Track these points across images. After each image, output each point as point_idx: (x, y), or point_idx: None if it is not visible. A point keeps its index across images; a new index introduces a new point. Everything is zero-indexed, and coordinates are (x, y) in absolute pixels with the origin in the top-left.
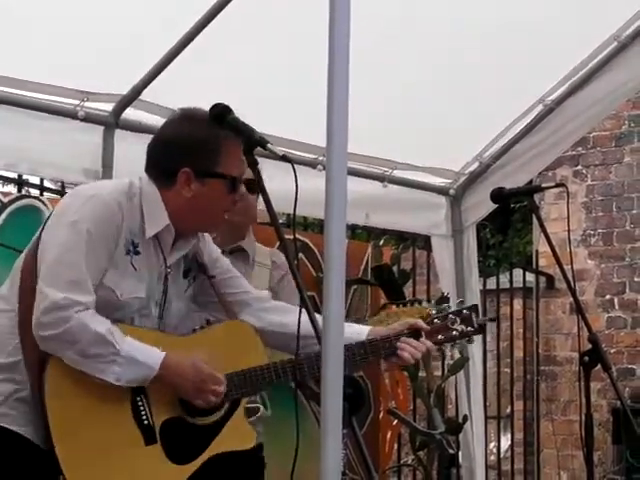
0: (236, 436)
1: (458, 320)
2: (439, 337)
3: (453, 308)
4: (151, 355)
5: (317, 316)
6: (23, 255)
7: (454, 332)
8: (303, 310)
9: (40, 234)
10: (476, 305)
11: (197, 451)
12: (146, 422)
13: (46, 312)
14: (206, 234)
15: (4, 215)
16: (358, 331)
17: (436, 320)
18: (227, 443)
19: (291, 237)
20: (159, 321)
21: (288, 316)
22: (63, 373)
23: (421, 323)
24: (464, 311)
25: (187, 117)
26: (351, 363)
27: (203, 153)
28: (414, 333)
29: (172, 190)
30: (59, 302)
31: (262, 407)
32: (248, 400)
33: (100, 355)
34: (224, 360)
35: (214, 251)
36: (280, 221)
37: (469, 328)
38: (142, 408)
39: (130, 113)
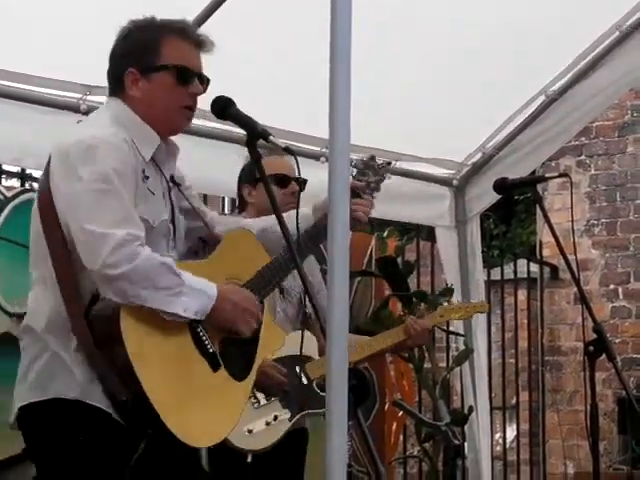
0: (272, 338)
1: (370, 173)
2: (370, 189)
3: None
4: (207, 284)
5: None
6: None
7: (372, 183)
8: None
9: (46, 188)
10: (372, 155)
11: (250, 363)
12: (211, 350)
13: (113, 251)
14: None
15: (7, 209)
16: (306, 217)
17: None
18: (268, 347)
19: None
20: (173, 240)
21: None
22: (136, 324)
23: (354, 182)
24: (370, 162)
25: (127, 26)
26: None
27: (143, 50)
28: (354, 194)
29: (126, 96)
30: (125, 238)
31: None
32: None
33: (169, 287)
34: (242, 271)
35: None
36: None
37: (379, 176)
38: (204, 338)
39: None
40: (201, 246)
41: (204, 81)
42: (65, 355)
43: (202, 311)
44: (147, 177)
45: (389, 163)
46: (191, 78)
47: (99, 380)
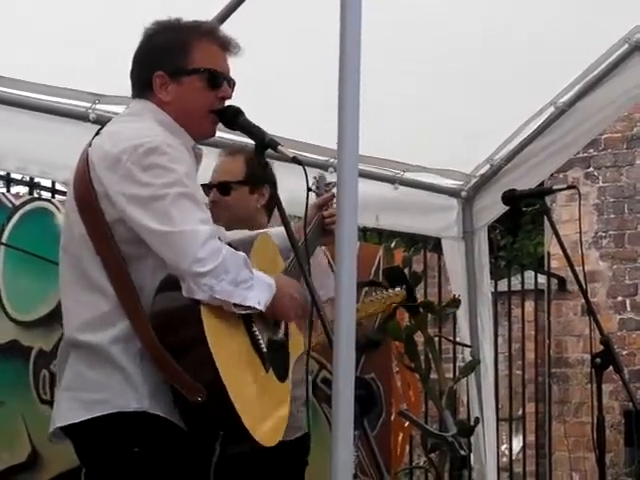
0: (296, 342)
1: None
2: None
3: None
4: (268, 277)
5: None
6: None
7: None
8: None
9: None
10: (322, 174)
11: (287, 364)
12: (265, 350)
13: (203, 246)
14: None
15: (16, 217)
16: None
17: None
18: (295, 351)
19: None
20: None
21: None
22: (215, 322)
23: (324, 195)
24: (328, 182)
25: (152, 27)
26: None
27: (173, 53)
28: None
29: (155, 99)
30: (211, 234)
31: None
32: None
33: (245, 281)
34: (270, 273)
35: None
36: (292, 224)
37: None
38: (258, 337)
39: None
40: None
41: (232, 84)
42: (126, 365)
43: (266, 302)
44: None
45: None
46: (221, 81)
47: (168, 384)
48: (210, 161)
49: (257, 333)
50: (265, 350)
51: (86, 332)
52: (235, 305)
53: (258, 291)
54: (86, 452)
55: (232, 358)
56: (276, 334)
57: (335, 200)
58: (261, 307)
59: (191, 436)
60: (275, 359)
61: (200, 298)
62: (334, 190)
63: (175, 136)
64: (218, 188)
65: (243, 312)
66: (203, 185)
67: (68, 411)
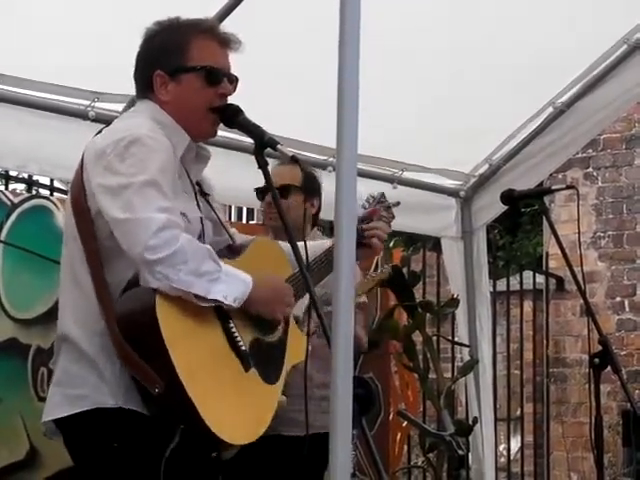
0: (299, 348)
1: (381, 208)
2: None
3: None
4: (241, 272)
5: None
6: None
7: (383, 218)
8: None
9: (78, 192)
10: (382, 192)
11: (279, 369)
12: (243, 348)
13: (155, 234)
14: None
15: (14, 215)
16: (320, 245)
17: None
18: (295, 355)
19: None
20: (202, 241)
21: None
22: (171, 312)
23: (368, 209)
24: (380, 199)
25: (153, 28)
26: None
27: (170, 52)
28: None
29: (156, 99)
30: (166, 222)
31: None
32: None
33: (208, 272)
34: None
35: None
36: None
37: (390, 213)
38: (236, 335)
39: None
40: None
41: (233, 81)
42: (102, 361)
43: (240, 299)
44: (180, 176)
45: (398, 203)
46: (220, 78)
47: (130, 375)
48: (217, 162)
49: (234, 330)
50: (245, 349)
51: (72, 327)
52: (198, 297)
53: (226, 285)
54: (72, 447)
55: (191, 349)
56: (267, 335)
57: (379, 216)
58: (230, 302)
59: (161, 425)
60: (263, 361)
61: (156, 287)
62: (382, 210)
63: (167, 132)
64: (278, 190)
65: (206, 305)
66: (259, 189)
67: (55, 406)
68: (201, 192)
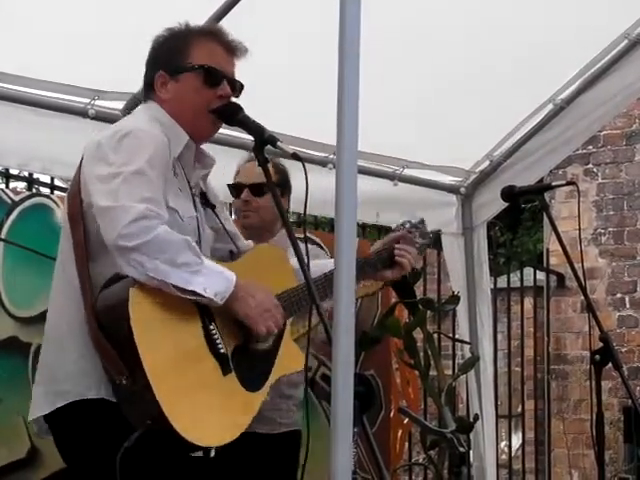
0: (291, 358)
1: (417, 234)
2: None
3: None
4: (226, 270)
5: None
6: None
7: (417, 244)
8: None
9: (76, 189)
10: (422, 218)
11: (264, 377)
12: (222, 351)
13: (131, 222)
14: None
15: (15, 213)
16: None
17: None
18: (285, 366)
19: (302, 236)
20: (198, 244)
21: None
22: (145, 303)
23: (404, 232)
24: (419, 225)
25: (162, 34)
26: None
27: (172, 53)
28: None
29: (157, 99)
30: (144, 212)
31: None
32: None
33: (187, 264)
34: (266, 284)
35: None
36: (290, 220)
37: (425, 240)
38: (216, 337)
39: None
40: (229, 258)
41: (236, 87)
42: (85, 353)
43: (222, 294)
44: (176, 174)
45: (439, 231)
46: (219, 79)
47: (102, 364)
48: (217, 160)
49: (214, 332)
50: (224, 352)
51: (61, 322)
52: (177, 288)
53: (207, 279)
54: (60, 443)
55: (163, 344)
56: (256, 343)
57: (412, 242)
58: (210, 295)
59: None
60: (246, 367)
61: (132, 275)
62: (417, 236)
63: (165, 129)
64: (251, 189)
65: (185, 296)
66: (231, 185)
67: (39, 403)
68: (207, 203)
